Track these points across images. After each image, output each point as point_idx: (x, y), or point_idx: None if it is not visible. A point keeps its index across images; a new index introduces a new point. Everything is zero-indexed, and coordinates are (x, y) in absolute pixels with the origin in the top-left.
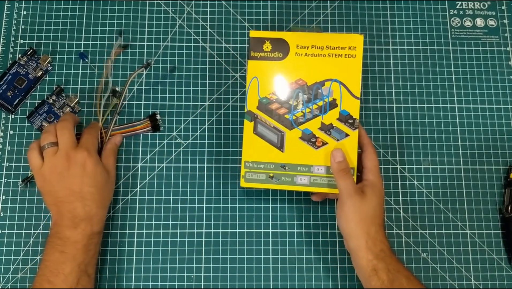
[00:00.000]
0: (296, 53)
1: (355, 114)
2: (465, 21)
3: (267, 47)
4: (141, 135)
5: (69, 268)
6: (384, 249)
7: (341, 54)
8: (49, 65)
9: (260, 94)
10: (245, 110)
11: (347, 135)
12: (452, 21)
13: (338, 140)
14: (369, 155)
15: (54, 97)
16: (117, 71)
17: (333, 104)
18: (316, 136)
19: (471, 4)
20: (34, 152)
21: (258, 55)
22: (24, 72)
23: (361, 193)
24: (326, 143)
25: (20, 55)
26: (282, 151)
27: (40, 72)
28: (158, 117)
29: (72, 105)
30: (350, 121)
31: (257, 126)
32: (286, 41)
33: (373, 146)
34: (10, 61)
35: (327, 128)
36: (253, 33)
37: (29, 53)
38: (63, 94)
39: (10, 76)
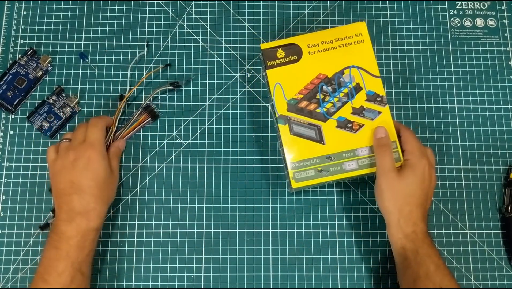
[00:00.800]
0: (309, 52)
1: (381, 91)
2: (465, 21)
3: (280, 54)
4: (141, 134)
5: (62, 266)
6: (416, 231)
7: (351, 42)
8: (49, 65)
9: (286, 97)
10: (277, 116)
11: (379, 112)
12: (452, 21)
13: (372, 119)
14: (407, 138)
15: (54, 97)
16: (119, 71)
17: (358, 88)
18: (351, 120)
19: (471, 4)
20: (51, 148)
21: (274, 63)
22: (24, 72)
23: (398, 171)
24: (363, 125)
25: (20, 55)
26: (323, 144)
27: (40, 72)
28: (152, 105)
29: (72, 105)
30: (378, 99)
31: (293, 127)
32: (297, 44)
33: (409, 129)
34: (10, 61)
35: (359, 111)
36: (264, 45)
37: (29, 53)
38: (63, 94)
39: (10, 76)
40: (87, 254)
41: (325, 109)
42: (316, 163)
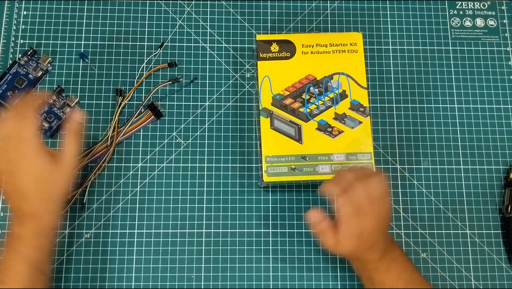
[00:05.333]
0: (302, 51)
1: (365, 102)
2: (465, 21)
3: (274, 48)
4: (141, 134)
5: (21, 267)
6: (367, 267)
7: (344, 50)
8: (49, 65)
9: (273, 91)
10: (260, 108)
11: (360, 122)
12: (452, 21)
13: (352, 127)
14: (338, 205)
15: (54, 97)
16: (119, 71)
17: (343, 95)
18: (332, 125)
19: (471, 4)
20: None
21: (267, 56)
22: (24, 72)
23: (339, 241)
24: (342, 131)
25: (20, 55)
26: (301, 143)
27: (40, 72)
28: (156, 104)
29: (72, 105)
30: (361, 109)
31: (274, 122)
32: (292, 42)
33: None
34: (10, 61)
35: (341, 118)
36: (260, 37)
37: (29, 53)
38: (63, 94)
39: (10, 76)
40: (45, 252)
41: (308, 110)
42: (290, 161)
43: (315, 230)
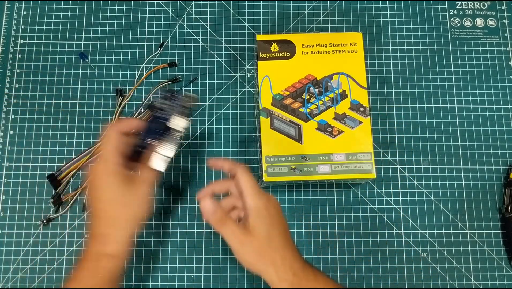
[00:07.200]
0: (302, 51)
1: (365, 102)
2: (465, 21)
3: (274, 48)
4: None
5: (71, 284)
6: (297, 273)
7: (344, 50)
8: None
9: (273, 91)
10: (260, 108)
11: (360, 122)
12: (452, 21)
13: (352, 127)
14: (241, 176)
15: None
16: (119, 71)
17: (343, 95)
18: (332, 125)
19: (471, 4)
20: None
21: (267, 56)
22: None
23: (248, 232)
24: (342, 131)
25: None
26: (301, 143)
27: None
28: (156, 104)
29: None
30: (361, 109)
31: (274, 122)
32: (292, 42)
33: (243, 166)
34: (10, 61)
35: (341, 118)
36: (260, 37)
37: None
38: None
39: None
40: (101, 283)
41: (308, 110)
42: (290, 161)
43: (219, 216)
